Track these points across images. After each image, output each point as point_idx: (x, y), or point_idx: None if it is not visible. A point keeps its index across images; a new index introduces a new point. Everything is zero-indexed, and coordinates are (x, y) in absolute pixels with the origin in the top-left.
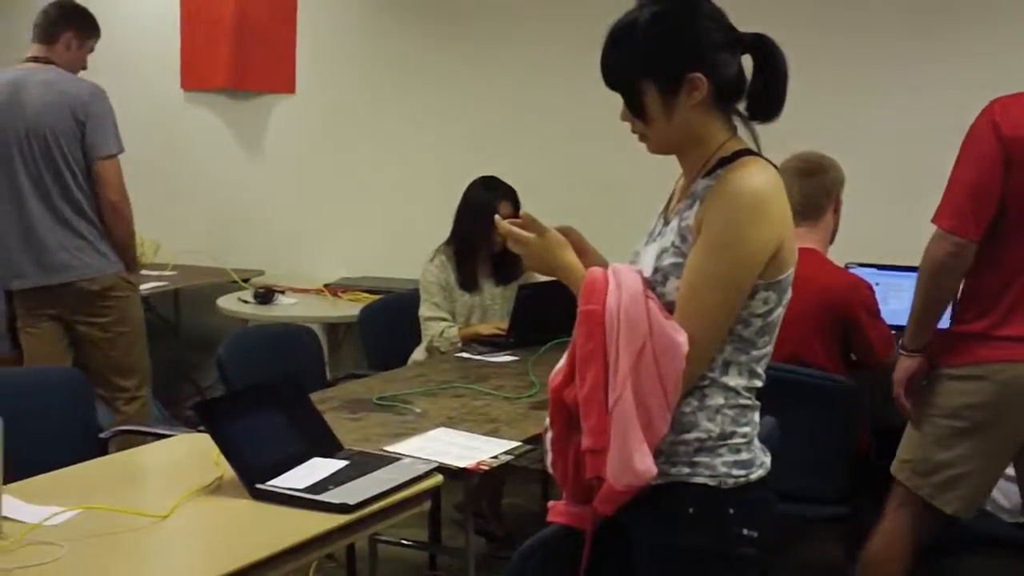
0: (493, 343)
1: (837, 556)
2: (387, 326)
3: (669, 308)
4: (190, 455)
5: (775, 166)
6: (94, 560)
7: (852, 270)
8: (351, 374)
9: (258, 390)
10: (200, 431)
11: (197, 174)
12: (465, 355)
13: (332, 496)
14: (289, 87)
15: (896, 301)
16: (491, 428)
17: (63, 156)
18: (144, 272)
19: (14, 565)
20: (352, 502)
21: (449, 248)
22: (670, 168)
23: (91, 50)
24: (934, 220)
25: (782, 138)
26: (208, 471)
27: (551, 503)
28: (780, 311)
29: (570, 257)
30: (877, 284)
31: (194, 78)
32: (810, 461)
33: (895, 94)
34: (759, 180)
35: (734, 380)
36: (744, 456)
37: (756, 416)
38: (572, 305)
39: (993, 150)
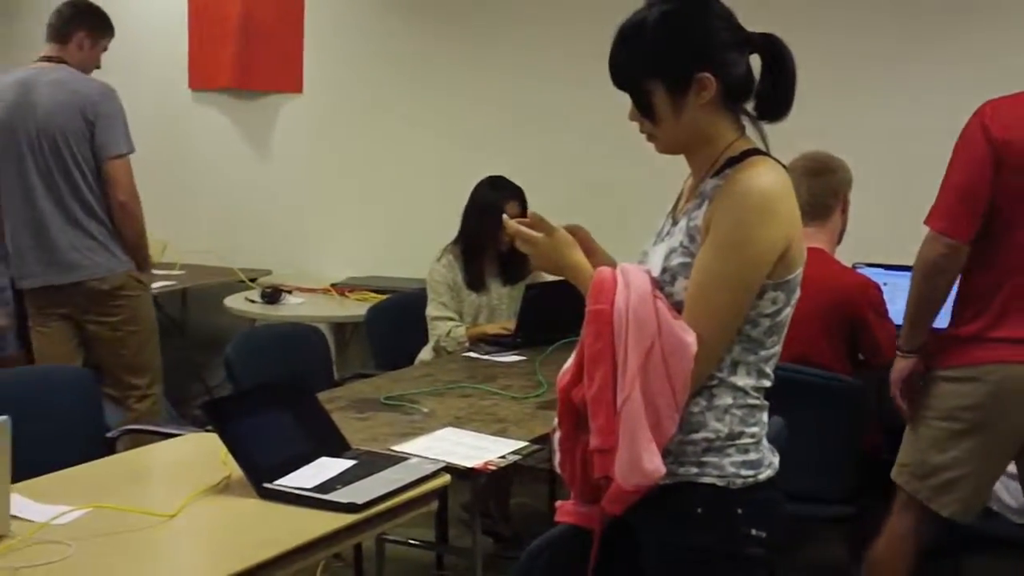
0: (500, 343)
1: (843, 556)
2: (394, 326)
3: (677, 308)
4: (198, 454)
5: (783, 166)
6: (102, 559)
7: (860, 270)
8: (358, 374)
9: (266, 390)
10: (208, 430)
11: (204, 174)
12: (472, 355)
13: (340, 496)
14: (296, 87)
15: (903, 301)
16: (498, 428)
17: (73, 156)
18: (152, 271)
19: (22, 564)
20: (360, 501)
21: (456, 248)
22: (676, 168)
23: (104, 49)
24: (926, 222)
25: (790, 138)
26: (216, 470)
27: (559, 503)
28: (788, 311)
29: (578, 257)
30: (885, 284)
31: (201, 78)
32: (817, 461)
33: (904, 94)
34: (768, 180)
35: (742, 380)
36: (752, 456)
37: (764, 416)
38: (579, 305)
39: (983, 152)
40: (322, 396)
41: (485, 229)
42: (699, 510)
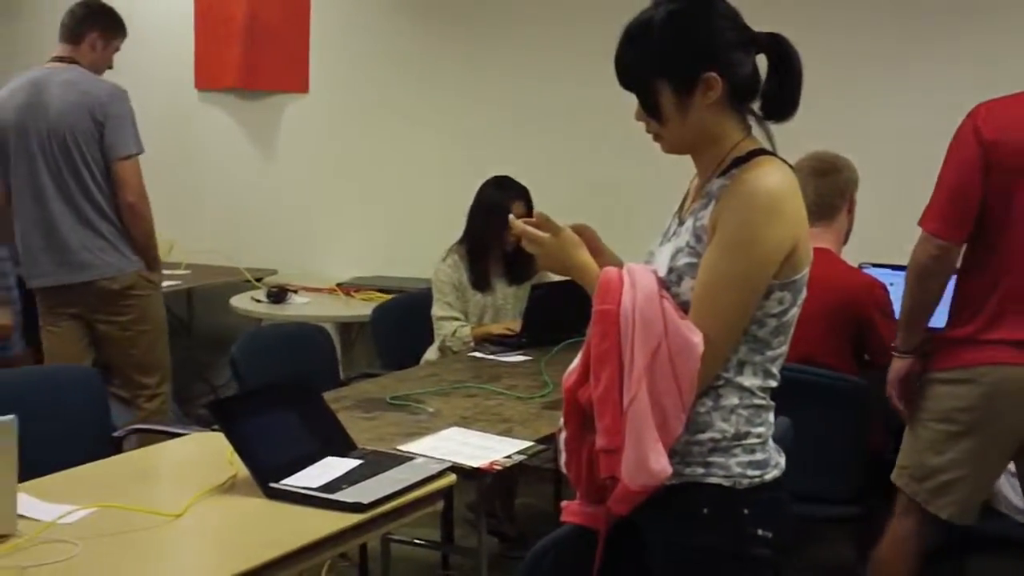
0: (506, 343)
1: (849, 556)
2: (400, 325)
3: (684, 308)
4: (204, 454)
5: (790, 166)
6: (108, 558)
7: (866, 270)
8: (364, 373)
9: (272, 389)
10: (214, 430)
11: (211, 173)
12: (478, 355)
13: (346, 495)
14: (302, 87)
15: None
16: (504, 428)
17: (82, 156)
18: (162, 271)
19: (29, 563)
20: (366, 501)
21: (462, 248)
22: (681, 168)
23: (116, 50)
24: (920, 223)
25: (796, 138)
26: (222, 470)
27: (565, 503)
28: (795, 311)
29: (584, 257)
30: (891, 284)
31: (207, 78)
32: (822, 461)
33: (911, 93)
34: (774, 180)
35: (749, 380)
36: (759, 456)
37: (771, 416)
38: (584, 305)
39: (974, 153)
40: (328, 396)
41: (491, 229)
42: (705, 510)
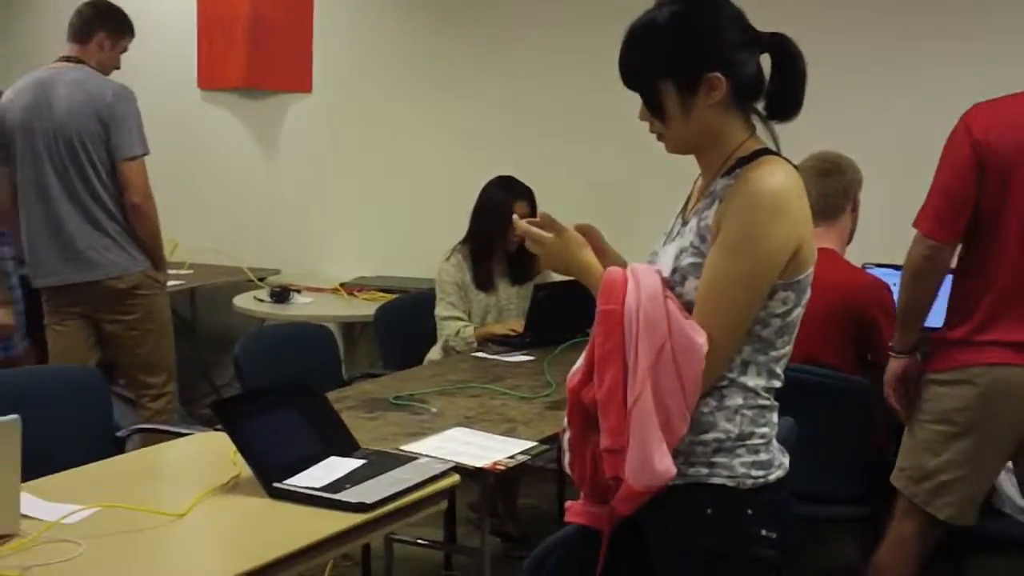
0: (509, 343)
1: (851, 557)
2: (403, 325)
3: (688, 308)
4: (207, 454)
5: (794, 166)
6: (111, 558)
7: (869, 270)
8: (367, 373)
9: (275, 389)
10: (217, 430)
11: (214, 173)
12: (481, 355)
13: (349, 495)
14: (305, 86)
15: None
16: (507, 428)
17: (88, 157)
18: (167, 271)
19: (32, 563)
20: (369, 501)
21: (465, 248)
22: (685, 168)
23: (124, 50)
24: (914, 224)
25: (800, 138)
26: (225, 470)
27: (569, 503)
28: (799, 311)
29: (588, 257)
30: (895, 285)
31: (211, 77)
32: (824, 462)
33: (915, 94)
34: (778, 179)
35: (753, 380)
36: (763, 457)
37: (775, 417)
38: (588, 305)
39: (966, 155)
40: (331, 396)
41: (494, 229)
42: (709, 511)
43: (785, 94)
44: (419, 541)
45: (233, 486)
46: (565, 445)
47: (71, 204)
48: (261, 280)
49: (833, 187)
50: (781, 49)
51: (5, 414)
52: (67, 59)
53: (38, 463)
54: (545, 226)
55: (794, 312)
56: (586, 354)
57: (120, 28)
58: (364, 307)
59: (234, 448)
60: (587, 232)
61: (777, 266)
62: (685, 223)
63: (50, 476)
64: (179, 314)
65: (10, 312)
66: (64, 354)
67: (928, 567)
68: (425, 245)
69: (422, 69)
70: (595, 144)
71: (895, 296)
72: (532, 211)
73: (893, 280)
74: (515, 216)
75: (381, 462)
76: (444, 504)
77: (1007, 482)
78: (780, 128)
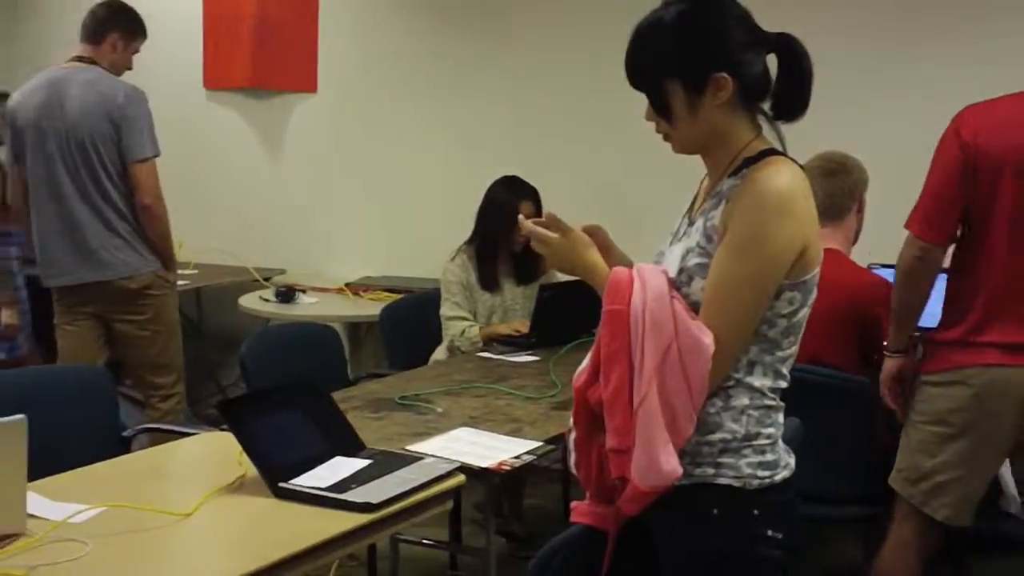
0: (514, 343)
1: (855, 557)
2: (408, 325)
3: (694, 308)
4: (213, 454)
5: (800, 166)
6: (118, 558)
7: (875, 271)
8: (372, 373)
9: (280, 389)
10: (223, 430)
11: (219, 173)
12: (486, 355)
13: (355, 495)
14: (311, 86)
15: None
16: (513, 428)
17: (100, 157)
18: (178, 271)
19: (38, 562)
20: (375, 501)
21: (471, 248)
22: (691, 168)
23: (136, 51)
24: (906, 225)
25: (806, 138)
26: (231, 470)
27: (574, 503)
28: (805, 311)
29: (594, 257)
30: None
31: (216, 77)
32: (828, 462)
33: (920, 94)
34: (785, 180)
35: (759, 381)
36: (769, 457)
37: (781, 417)
38: (593, 305)
39: (955, 156)
40: (336, 396)
41: (499, 229)
42: (715, 511)
43: (791, 94)
44: (425, 541)
45: (239, 486)
46: (571, 445)
47: (83, 204)
48: (266, 280)
49: (839, 187)
50: (788, 49)
51: (12, 414)
52: (79, 59)
53: (44, 463)
54: (551, 226)
55: (800, 312)
56: (592, 354)
57: (133, 29)
58: (369, 307)
59: (240, 448)
60: (594, 232)
61: (784, 266)
62: (691, 223)
63: (56, 476)
64: (185, 314)
65: (15, 312)
66: (74, 354)
67: (930, 568)
68: (430, 245)
69: (427, 69)
70: (600, 144)
71: None
72: (537, 211)
73: None
74: (520, 216)
75: (387, 462)
76: (450, 504)
77: (1012, 484)
78: (786, 128)
